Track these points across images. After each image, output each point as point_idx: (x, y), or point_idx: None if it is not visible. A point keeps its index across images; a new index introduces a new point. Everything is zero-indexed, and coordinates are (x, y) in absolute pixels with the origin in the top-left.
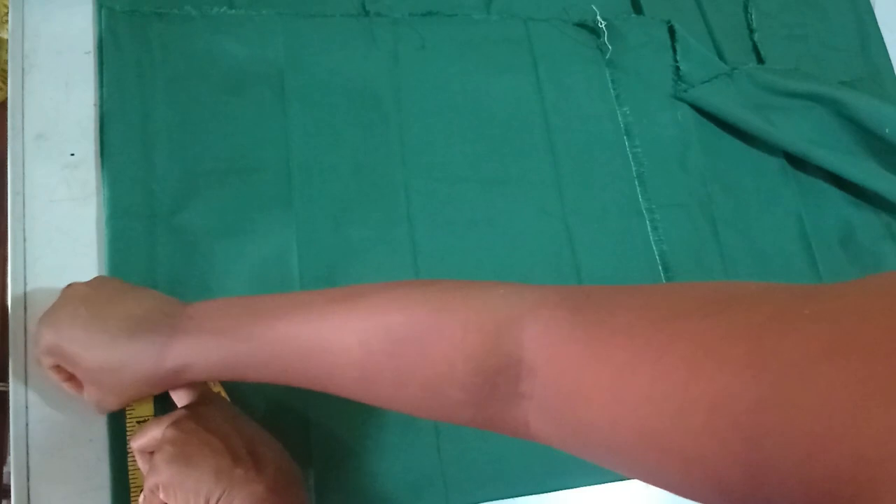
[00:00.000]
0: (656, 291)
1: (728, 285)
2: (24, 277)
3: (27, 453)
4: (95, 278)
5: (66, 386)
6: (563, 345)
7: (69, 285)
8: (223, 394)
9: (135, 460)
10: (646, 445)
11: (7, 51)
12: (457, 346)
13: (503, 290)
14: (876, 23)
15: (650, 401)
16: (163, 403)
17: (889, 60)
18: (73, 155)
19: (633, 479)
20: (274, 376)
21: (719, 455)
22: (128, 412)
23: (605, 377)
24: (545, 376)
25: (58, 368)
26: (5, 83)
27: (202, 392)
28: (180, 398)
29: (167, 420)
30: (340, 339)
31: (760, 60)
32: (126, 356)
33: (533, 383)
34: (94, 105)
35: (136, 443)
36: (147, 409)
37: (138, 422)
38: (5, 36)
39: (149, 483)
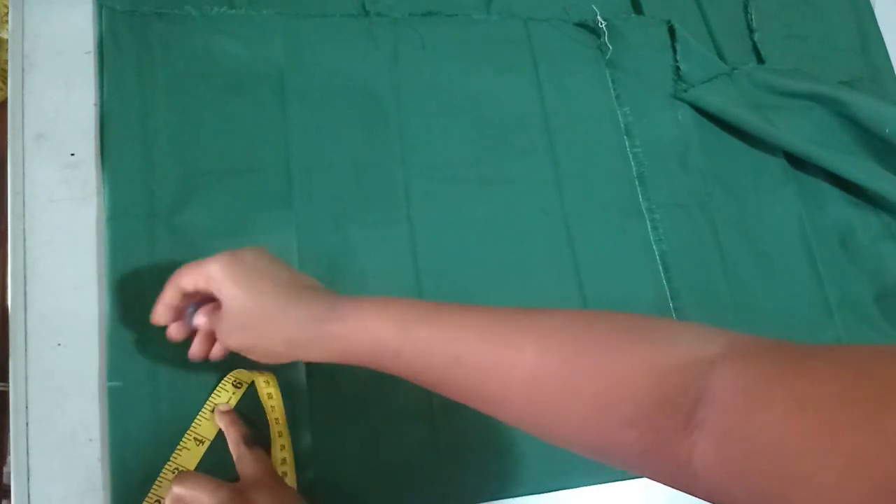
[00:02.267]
0: (863, 356)
1: None
2: (24, 277)
3: (27, 453)
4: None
5: (199, 318)
6: (757, 385)
7: (248, 249)
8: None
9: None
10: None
11: (7, 51)
12: (639, 362)
13: (694, 325)
14: (876, 23)
15: (856, 462)
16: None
17: (889, 60)
18: (73, 155)
19: None
20: (418, 371)
21: None
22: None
23: (804, 428)
24: (730, 409)
25: (189, 296)
26: (5, 83)
27: (266, 470)
28: (246, 465)
29: (210, 496)
30: (515, 344)
31: (760, 60)
32: (286, 306)
33: (713, 413)
34: (94, 105)
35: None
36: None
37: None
38: (5, 36)
39: None
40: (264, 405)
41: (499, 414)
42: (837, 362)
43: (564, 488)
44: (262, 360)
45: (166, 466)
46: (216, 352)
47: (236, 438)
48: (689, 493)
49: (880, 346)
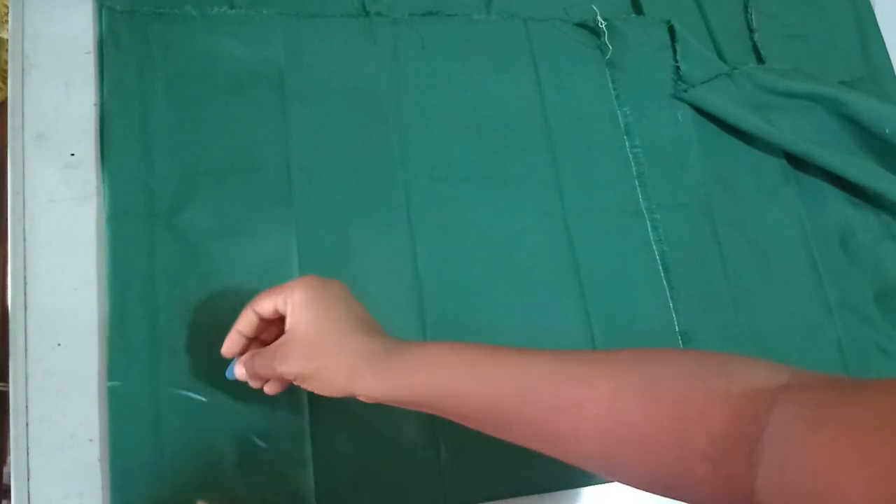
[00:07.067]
0: None
1: None
2: (24, 277)
3: (27, 453)
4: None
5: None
6: (813, 412)
7: (333, 280)
8: None
9: None
10: None
11: (7, 51)
12: (716, 393)
13: (763, 360)
14: (876, 23)
15: None
16: None
17: (889, 60)
18: (73, 155)
19: None
20: (483, 410)
21: None
22: None
23: (845, 448)
24: (788, 437)
25: (265, 324)
26: (5, 83)
27: None
28: None
29: None
30: (590, 380)
31: (760, 60)
32: (353, 337)
33: (773, 442)
34: (94, 105)
35: None
36: None
37: None
38: (5, 36)
39: None
40: None
41: (566, 452)
42: (885, 391)
43: (565, 488)
44: (317, 390)
45: None
46: (271, 388)
47: None
48: None
49: None
